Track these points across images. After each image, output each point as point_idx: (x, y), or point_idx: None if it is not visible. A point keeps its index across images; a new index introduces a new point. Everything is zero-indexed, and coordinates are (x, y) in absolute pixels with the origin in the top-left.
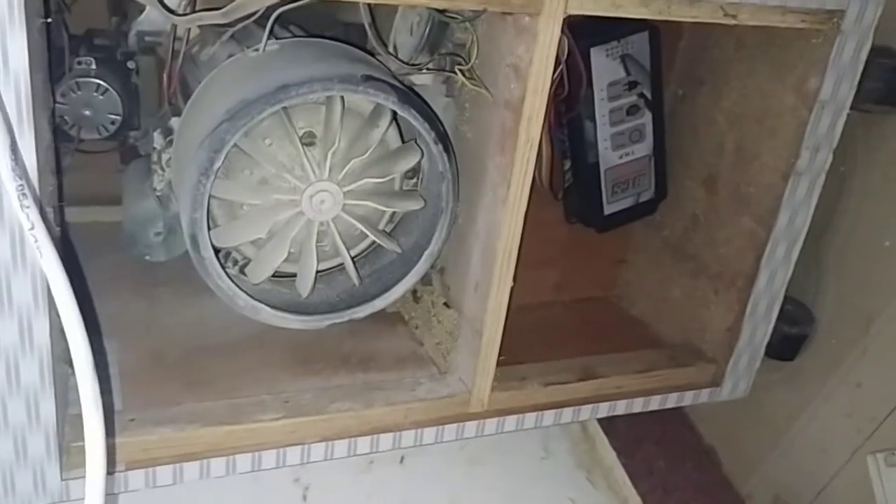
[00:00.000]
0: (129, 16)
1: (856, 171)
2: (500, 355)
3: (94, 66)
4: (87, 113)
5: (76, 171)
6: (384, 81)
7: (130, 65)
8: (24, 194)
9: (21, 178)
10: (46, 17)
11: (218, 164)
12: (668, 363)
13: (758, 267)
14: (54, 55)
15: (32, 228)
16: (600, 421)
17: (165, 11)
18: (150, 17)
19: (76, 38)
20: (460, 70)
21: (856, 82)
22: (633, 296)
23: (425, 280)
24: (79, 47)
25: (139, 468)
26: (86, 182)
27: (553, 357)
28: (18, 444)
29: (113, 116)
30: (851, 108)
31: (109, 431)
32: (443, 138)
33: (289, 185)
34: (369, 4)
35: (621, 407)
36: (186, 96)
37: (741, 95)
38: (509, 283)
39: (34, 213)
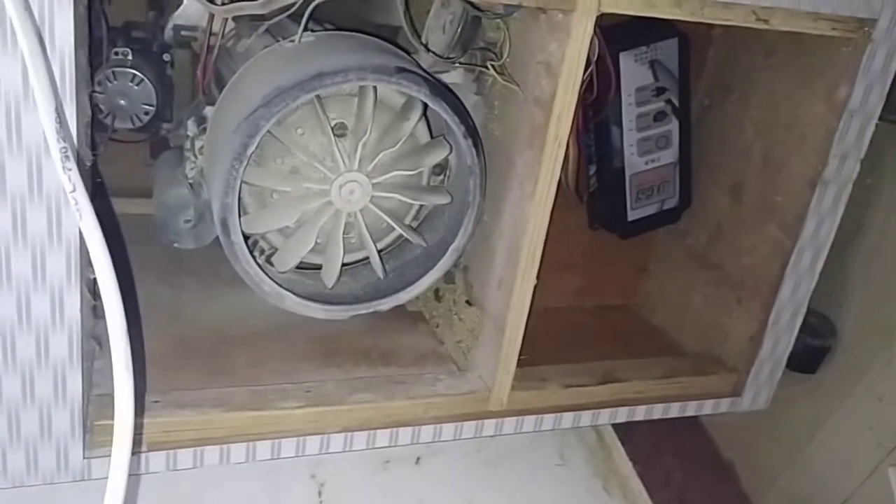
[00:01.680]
0: (166, 10)
1: (883, 183)
2: (520, 355)
3: (130, 57)
4: (122, 102)
5: (107, 162)
6: (417, 74)
7: (166, 57)
8: (66, 157)
9: (65, 141)
10: None
11: (251, 149)
12: (689, 370)
13: (782, 276)
14: (93, 45)
15: (74, 191)
16: (617, 430)
17: (205, 1)
18: (187, 12)
19: (114, 29)
20: (492, 65)
21: (885, 92)
22: (654, 304)
23: (448, 278)
24: (116, 38)
25: (160, 450)
26: (116, 174)
27: (573, 361)
28: (44, 418)
29: (147, 107)
30: (880, 118)
31: (139, 408)
32: (472, 133)
33: (319, 174)
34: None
35: (640, 413)
36: (221, 88)
37: (769, 103)
38: (533, 279)
39: (76, 176)
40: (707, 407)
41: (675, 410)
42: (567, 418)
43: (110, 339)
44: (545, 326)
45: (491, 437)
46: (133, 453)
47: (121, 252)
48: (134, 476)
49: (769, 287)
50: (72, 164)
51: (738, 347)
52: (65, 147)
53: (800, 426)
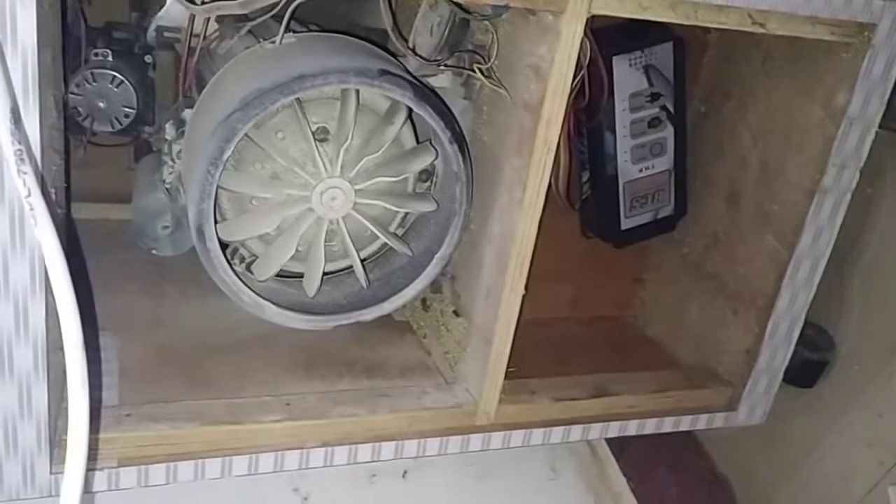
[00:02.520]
0: (148, 11)
1: (883, 193)
2: (509, 367)
3: (110, 58)
4: (102, 105)
5: (88, 167)
6: (401, 77)
7: (147, 59)
8: (21, 159)
9: (20, 143)
10: None
11: (228, 153)
12: (682, 384)
13: (779, 287)
14: (72, 45)
15: (29, 196)
16: (611, 444)
17: (184, 1)
18: (170, 13)
19: (95, 30)
20: (479, 69)
21: (885, 99)
22: (648, 315)
23: (435, 287)
24: (97, 39)
25: (132, 465)
26: (97, 179)
27: (565, 373)
28: (9, 432)
29: (127, 109)
30: (880, 126)
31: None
32: (458, 138)
33: (300, 180)
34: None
35: (633, 427)
36: (202, 90)
37: (767, 110)
38: (521, 289)
39: (31, 180)
40: (702, 421)
41: (668, 425)
42: (557, 433)
43: (65, 351)
44: (536, 338)
45: (477, 452)
46: (102, 469)
47: (81, 261)
48: (105, 492)
49: (766, 298)
50: (28, 168)
51: (733, 360)
52: (20, 149)
53: (797, 441)
